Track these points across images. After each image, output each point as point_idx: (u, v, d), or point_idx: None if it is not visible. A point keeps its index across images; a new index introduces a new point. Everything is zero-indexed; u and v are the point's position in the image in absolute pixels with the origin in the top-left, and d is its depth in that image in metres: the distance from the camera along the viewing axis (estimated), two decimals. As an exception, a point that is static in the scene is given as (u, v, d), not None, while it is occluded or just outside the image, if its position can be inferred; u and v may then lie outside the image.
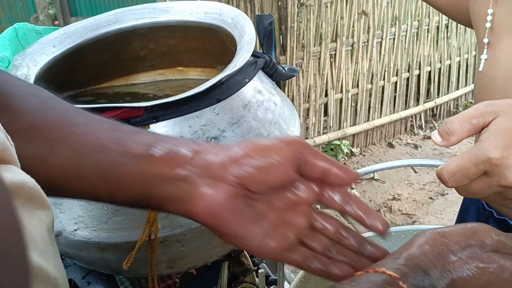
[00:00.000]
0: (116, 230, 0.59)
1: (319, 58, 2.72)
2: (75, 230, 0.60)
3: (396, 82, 3.12)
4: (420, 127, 3.32)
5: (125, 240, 0.59)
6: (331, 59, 2.78)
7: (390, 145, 3.16)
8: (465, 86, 3.44)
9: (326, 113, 2.94)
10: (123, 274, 0.69)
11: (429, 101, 3.35)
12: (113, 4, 3.19)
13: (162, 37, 0.87)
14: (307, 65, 2.70)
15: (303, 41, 2.63)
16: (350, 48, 2.82)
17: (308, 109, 2.80)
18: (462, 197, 0.92)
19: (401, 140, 3.21)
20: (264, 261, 0.98)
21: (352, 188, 2.66)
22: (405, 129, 3.29)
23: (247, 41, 0.69)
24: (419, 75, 3.23)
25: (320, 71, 2.76)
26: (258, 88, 0.72)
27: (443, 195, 2.59)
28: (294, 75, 0.87)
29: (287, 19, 2.55)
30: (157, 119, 0.59)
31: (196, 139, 0.61)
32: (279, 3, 2.56)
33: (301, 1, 2.52)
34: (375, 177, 2.77)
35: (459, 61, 3.34)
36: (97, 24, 0.80)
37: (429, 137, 3.20)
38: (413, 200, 2.55)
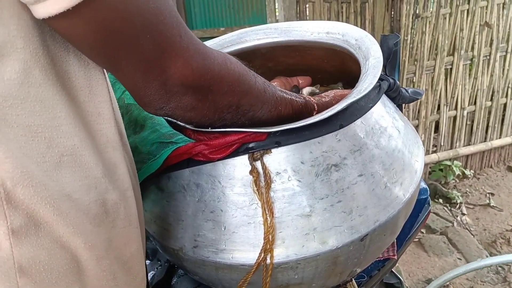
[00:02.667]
0: (233, 251, 0.60)
1: (433, 73, 2.56)
2: (194, 247, 0.62)
3: (520, 100, 2.83)
4: (547, 151, 2.96)
5: (241, 262, 0.60)
6: (446, 74, 2.60)
7: (510, 169, 2.85)
8: None
9: (436, 130, 2.76)
10: (233, 292, 0.70)
11: (559, 122, 2.98)
12: (226, 17, 3.33)
13: (281, 56, 0.87)
14: (419, 79, 2.55)
15: (416, 55, 2.49)
16: (469, 62, 2.61)
17: (417, 126, 2.65)
18: None
19: (524, 164, 2.89)
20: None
21: (464, 214, 2.45)
22: (529, 152, 2.96)
23: (373, 64, 0.66)
24: (548, 93, 2.89)
25: (433, 86, 2.59)
26: (381, 113, 0.68)
27: None
28: (418, 99, 0.82)
29: (399, 31, 2.43)
30: (279, 144, 0.58)
31: (316, 165, 0.60)
32: (392, 14, 2.46)
33: (417, 13, 2.39)
34: (491, 204, 2.52)
35: None
36: (221, 44, 0.83)
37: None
38: (536, 234, 2.27)
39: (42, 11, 0.40)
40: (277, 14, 3.17)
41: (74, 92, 0.46)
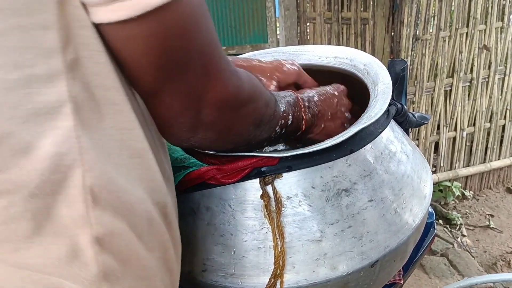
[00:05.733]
0: (243, 276, 0.59)
1: (433, 94, 2.59)
2: (203, 271, 0.61)
3: (519, 122, 2.85)
4: (546, 172, 2.97)
5: (250, 287, 0.59)
6: (446, 95, 2.63)
7: (509, 191, 2.86)
8: None
9: (436, 150, 2.77)
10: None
11: (557, 144, 3.00)
12: (228, 36, 3.37)
13: (288, 79, 0.88)
14: (419, 100, 2.57)
15: (416, 76, 2.52)
16: (468, 84, 2.64)
17: (417, 146, 2.66)
18: None
19: (523, 186, 2.90)
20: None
21: (464, 236, 2.44)
22: (528, 173, 2.97)
23: (382, 90, 0.67)
24: (546, 115, 2.91)
25: (432, 107, 2.61)
26: (390, 138, 0.69)
27: None
28: (425, 123, 0.83)
29: (400, 53, 2.46)
30: (290, 168, 0.58)
31: (326, 190, 0.60)
32: (392, 36, 2.50)
33: (417, 35, 2.42)
34: (491, 226, 2.51)
35: None
36: (230, 66, 0.83)
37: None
38: (536, 256, 2.26)
39: (102, 15, 0.38)
40: (278, 33, 3.21)
41: (138, 98, 0.46)
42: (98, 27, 0.39)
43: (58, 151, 0.38)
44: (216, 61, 0.44)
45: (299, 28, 2.82)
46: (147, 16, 0.38)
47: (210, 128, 0.48)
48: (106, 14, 0.38)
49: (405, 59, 2.44)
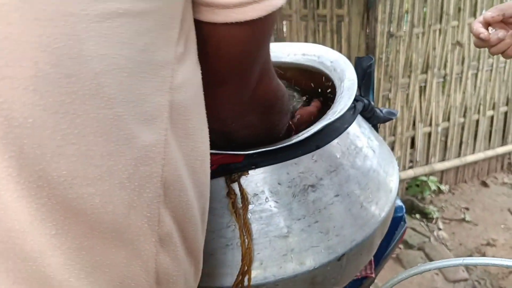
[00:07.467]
0: (208, 275, 0.59)
1: (408, 90, 2.62)
2: (171, 270, 0.61)
3: (492, 116, 2.91)
4: (519, 165, 3.05)
5: (218, 285, 0.59)
6: (421, 91, 2.67)
7: (484, 184, 2.92)
8: None
9: (412, 146, 2.81)
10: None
11: (529, 137, 3.08)
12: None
13: (258, 77, 0.88)
14: (395, 97, 2.61)
15: (391, 72, 2.55)
16: (441, 80, 2.68)
17: (394, 142, 2.70)
18: None
19: (497, 179, 2.96)
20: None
21: (440, 229, 2.49)
22: (502, 167, 3.04)
23: (347, 86, 0.68)
24: (519, 109, 2.99)
25: (408, 103, 2.65)
26: (356, 134, 0.69)
27: (546, 243, 2.33)
28: (392, 119, 0.84)
29: (374, 50, 2.49)
30: (256, 165, 0.59)
31: (293, 186, 0.60)
32: (367, 33, 2.52)
33: (391, 32, 2.45)
34: (467, 219, 2.57)
35: None
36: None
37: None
38: (510, 247, 2.32)
39: (217, 16, 0.40)
40: (255, 32, 3.21)
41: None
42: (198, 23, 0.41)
43: (151, 142, 0.37)
44: (268, 59, 0.51)
45: (276, 25, 2.83)
46: (253, 21, 0.41)
47: (255, 113, 0.53)
48: (223, 15, 0.40)
49: (380, 56, 2.47)
